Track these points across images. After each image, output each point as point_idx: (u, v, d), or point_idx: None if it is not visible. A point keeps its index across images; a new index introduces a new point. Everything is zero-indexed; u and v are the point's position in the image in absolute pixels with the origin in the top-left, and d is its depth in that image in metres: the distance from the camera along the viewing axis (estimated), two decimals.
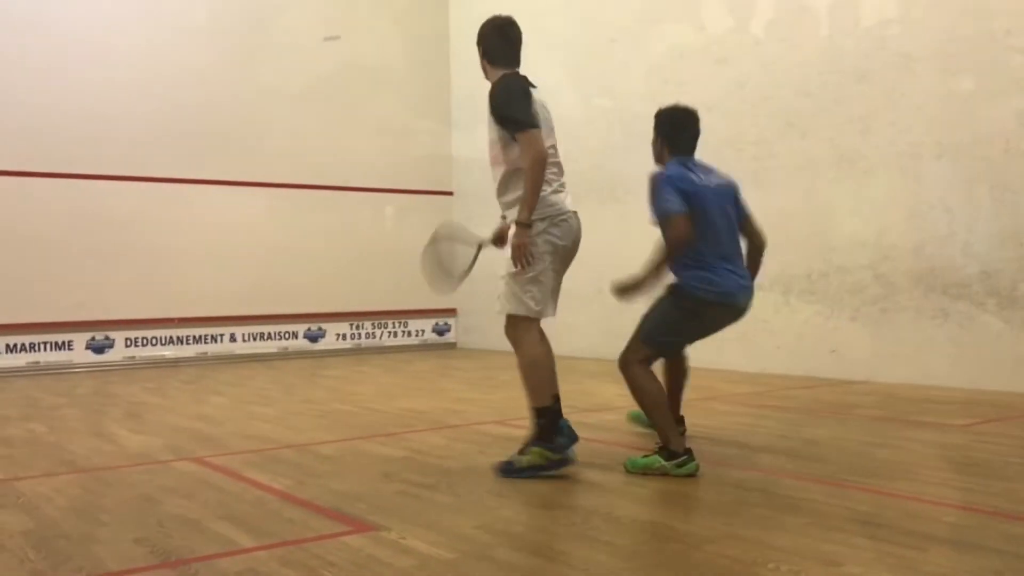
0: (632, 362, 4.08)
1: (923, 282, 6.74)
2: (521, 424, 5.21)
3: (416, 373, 8.44)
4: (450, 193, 11.22)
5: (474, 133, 10.99)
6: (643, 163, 9.29)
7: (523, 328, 4.09)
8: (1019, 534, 2.89)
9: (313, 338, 10.28)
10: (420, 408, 6.01)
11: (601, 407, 5.89)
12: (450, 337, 11.20)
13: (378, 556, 2.78)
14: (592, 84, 9.51)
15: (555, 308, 4.20)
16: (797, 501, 3.35)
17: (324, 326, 10.35)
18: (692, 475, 3.84)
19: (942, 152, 6.62)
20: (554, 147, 4.14)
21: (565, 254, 4.11)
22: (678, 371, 4.62)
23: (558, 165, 4.16)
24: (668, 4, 8.75)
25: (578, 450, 4.02)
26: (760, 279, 8.27)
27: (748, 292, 4.14)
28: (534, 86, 4.18)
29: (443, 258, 4.66)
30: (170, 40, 9.50)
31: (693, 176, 4.13)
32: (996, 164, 6.32)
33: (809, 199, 7.51)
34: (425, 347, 10.96)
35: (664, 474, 3.85)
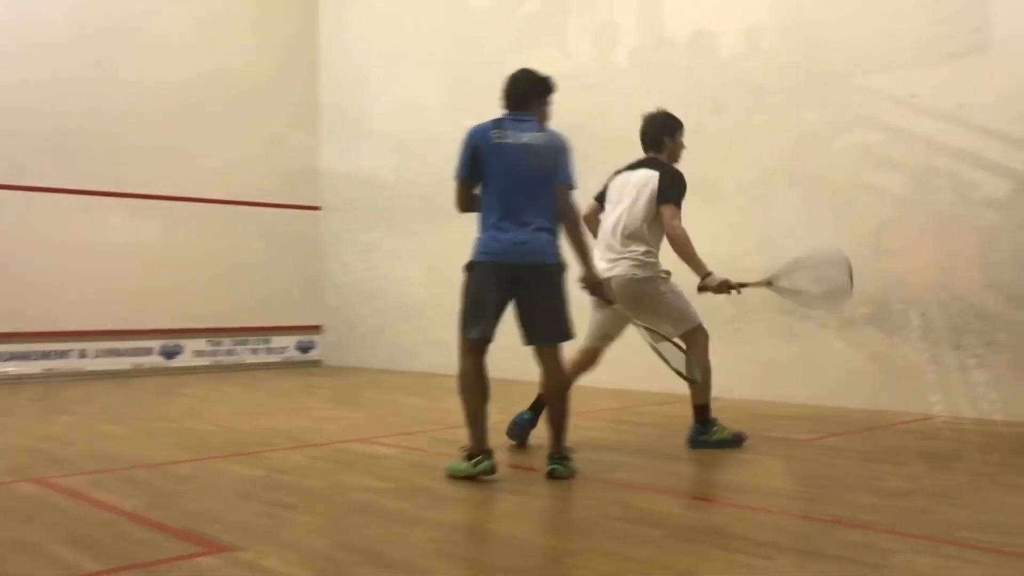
0: (460, 352, 4.19)
1: (772, 304, 7.07)
2: (386, 442, 5.17)
3: (278, 391, 8.24)
4: (318, 208, 11.05)
5: (344, 147, 10.90)
6: None
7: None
8: (857, 541, 3.06)
9: (169, 355, 9.89)
10: (281, 426, 5.87)
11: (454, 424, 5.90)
12: (314, 355, 10.99)
13: None
14: (465, 105, 9.58)
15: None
16: (655, 515, 3.45)
17: (181, 342, 9.97)
18: (487, 473, 3.96)
19: (792, 181, 6.99)
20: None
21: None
22: (545, 386, 4.46)
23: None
24: (537, 30, 8.93)
25: (439, 466, 4.02)
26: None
27: (522, 248, 4.03)
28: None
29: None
30: (29, 45, 9.03)
31: (495, 132, 4.13)
32: (840, 194, 6.71)
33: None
34: (288, 365, 10.71)
35: (468, 477, 3.98)
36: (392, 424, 5.97)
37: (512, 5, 9.25)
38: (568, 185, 4.24)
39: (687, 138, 7.76)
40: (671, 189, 4.98)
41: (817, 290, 4.88)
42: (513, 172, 4.10)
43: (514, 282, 4.09)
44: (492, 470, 4.01)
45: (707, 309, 7.37)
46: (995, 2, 6.09)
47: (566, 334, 4.25)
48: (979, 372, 5.96)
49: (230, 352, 10.31)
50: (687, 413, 6.39)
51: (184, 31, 10.10)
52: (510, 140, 4.13)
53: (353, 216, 10.71)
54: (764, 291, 7.05)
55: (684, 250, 4.93)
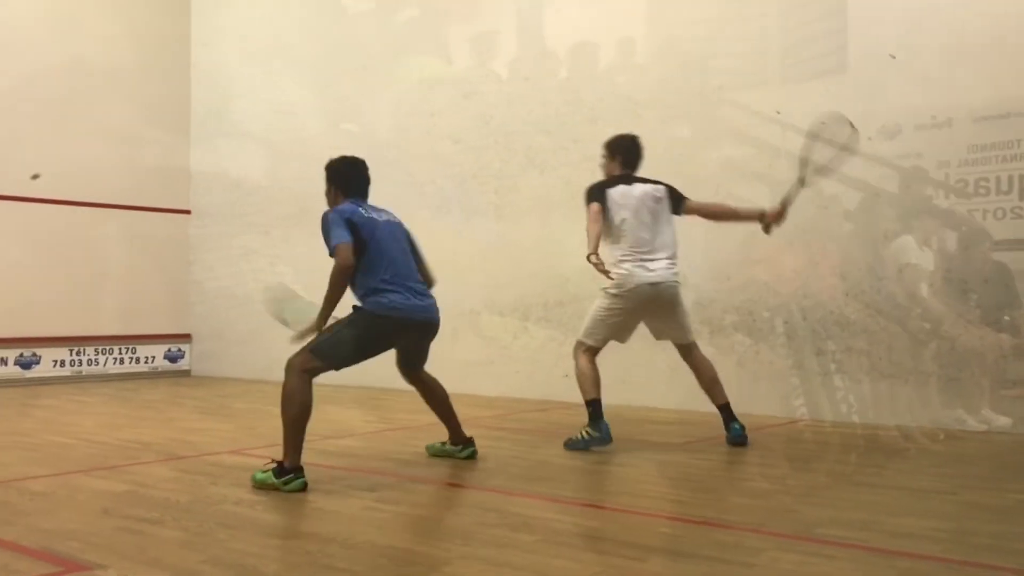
0: (297, 370, 4.22)
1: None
2: (256, 454, 5.03)
3: (144, 402, 7.90)
4: (187, 212, 10.68)
5: (215, 148, 10.57)
6: (390, 192, 9.32)
7: None
8: (726, 541, 3.16)
9: (26, 365, 9.35)
10: (147, 439, 5.63)
11: (342, 433, 5.81)
12: (183, 364, 10.60)
13: None
14: (340, 109, 9.46)
15: None
16: (530, 519, 3.47)
17: (39, 351, 9.45)
18: (301, 491, 3.97)
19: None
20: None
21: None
22: (434, 393, 4.90)
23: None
24: (417, 36, 8.90)
25: (316, 477, 3.93)
26: (501, 306, 8.53)
27: (427, 311, 4.62)
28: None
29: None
30: None
31: (362, 210, 4.51)
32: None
33: (545, 232, 7.87)
34: (156, 375, 10.29)
35: (275, 489, 3.99)
36: (263, 435, 5.80)
37: (390, 10, 9.19)
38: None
39: (566, 147, 7.91)
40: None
41: (836, 147, 5.12)
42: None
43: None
44: (304, 488, 4.03)
45: (583, 316, 7.52)
46: (853, 26, 6.43)
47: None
48: (838, 377, 6.27)
49: (92, 362, 9.84)
50: (563, 420, 6.49)
51: (40, 18, 9.57)
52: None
53: (224, 220, 10.39)
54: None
55: None
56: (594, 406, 5.15)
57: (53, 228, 9.58)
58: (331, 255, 4.31)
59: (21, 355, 9.33)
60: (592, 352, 5.35)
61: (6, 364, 9.21)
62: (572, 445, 5.12)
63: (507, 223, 8.13)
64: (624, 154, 5.62)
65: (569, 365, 7.59)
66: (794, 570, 2.80)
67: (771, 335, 6.62)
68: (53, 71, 9.62)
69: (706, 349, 6.87)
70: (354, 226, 4.36)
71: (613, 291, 5.29)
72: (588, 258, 5.02)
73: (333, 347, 4.30)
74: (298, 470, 4.06)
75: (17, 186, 9.29)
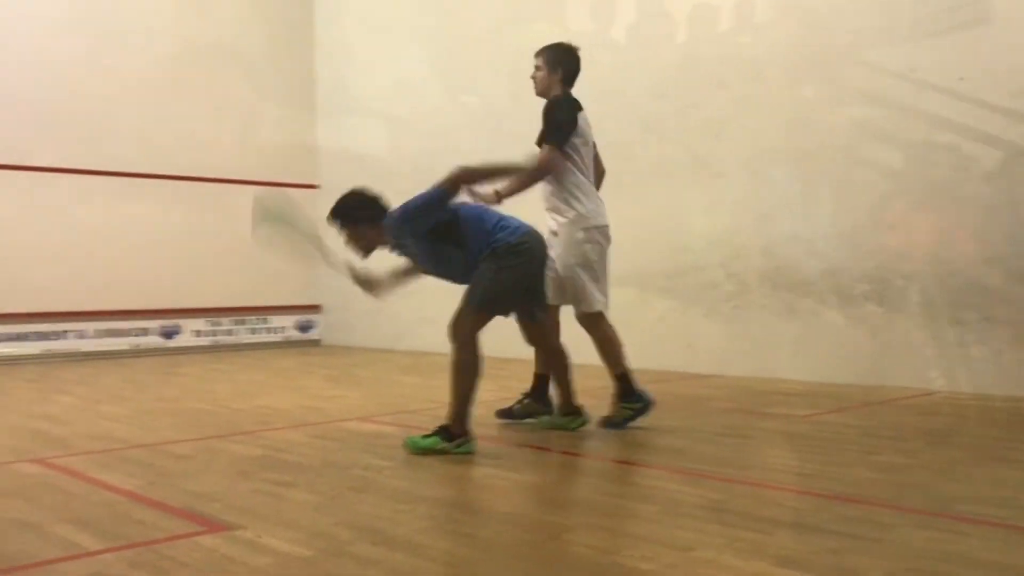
0: (468, 335, 4.23)
1: (771, 280, 7.06)
2: (383, 421, 5.18)
3: (277, 371, 8.24)
4: (316, 187, 11.00)
5: (342, 123, 10.84)
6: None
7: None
8: (854, 515, 3.07)
9: (168, 335, 9.89)
10: (279, 406, 5.88)
11: None
12: (314, 334, 10.99)
13: (232, 556, 2.70)
14: (458, 81, 9.53)
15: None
16: (651, 490, 3.45)
17: (180, 322, 9.97)
18: (470, 454, 4.09)
19: (789, 157, 6.96)
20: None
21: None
22: (559, 361, 4.86)
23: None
24: (534, 5, 8.86)
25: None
26: (618, 276, 8.44)
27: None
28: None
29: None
30: (9, 20, 8.95)
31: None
32: (838, 169, 6.69)
33: (665, 200, 7.75)
34: (288, 344, 10.71)
35: (442, 453, 4.07)
36: (390, 403, 5.98)
37: None
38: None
39: (686, 113, 7.74)
40: None
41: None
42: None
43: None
44: (474, 450, 4.17)
45: (706, 286, 7.41)
46: None
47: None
48: (978, 347, 5.97)
49: (229, 332, 10.32)
50: (684, 391, 6.42)
51: (169, 4, 10.01)
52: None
53: None
54: (763, 269, 7.08)
55: None
56: (628, 378, 4.83)
57: (190, 204, 10.06)
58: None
59: (163, 325, 9.86)
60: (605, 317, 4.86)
61: (150, 334, 9.76)
62: (614, 424, 4.78)
63: (624, 192, 8.02)
64: (567, 67, 4.87)
65: (691, 335, 7.53)
66: (927, 547, 2.70)
67: (904, 304, 6.35)
68: (188, 53, 10.05)
69: (835, 319, 6.69)
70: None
71: (588, 234, 4.76)
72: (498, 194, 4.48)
73: (496, 294, 4.32)
74: (467, 434, 4.15)
75: (158, 164, 9.78)
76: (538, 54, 4.91)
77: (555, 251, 4.67)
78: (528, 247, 4.41)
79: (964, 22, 6.17)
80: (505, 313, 4.52)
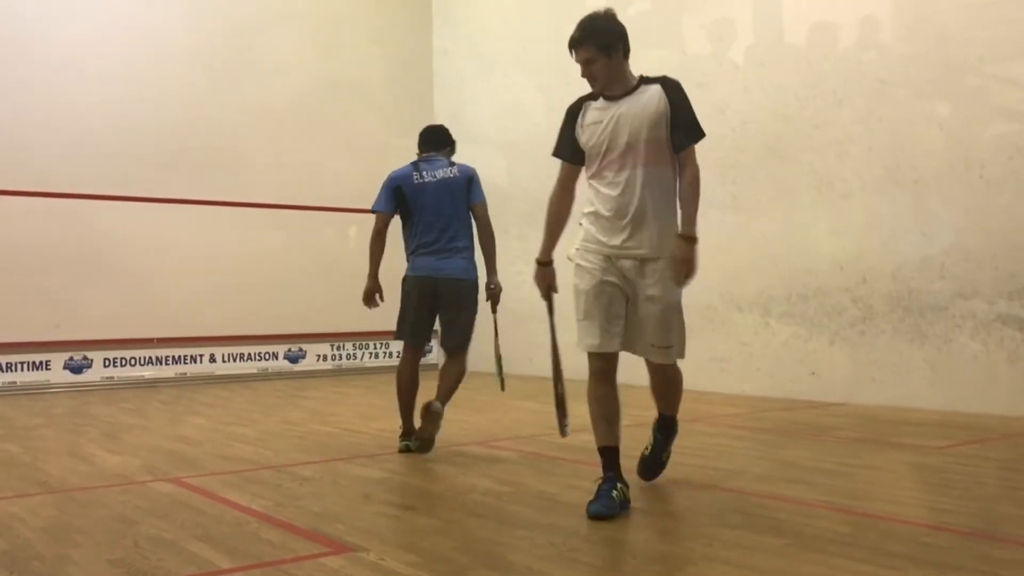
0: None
1: (901, 305, 6.79)
2: (502, 446, 5.21)
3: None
4: None
5: (459, 151, 11.02)
6: None
7: None
8: (999, 556, 2.90)
9: (293, 359, 10.22)
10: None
11: (583, 428, 5.88)
12: (432, 358, 11.15)
13: None
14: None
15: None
16: (777, 522, 3.35)
17: (305, 347, 10.29)
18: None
19: (919, 176, 6.69)
20: None
21: None
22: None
23: None
24: (650, 28, 8.83)
25: (556, 470, 4.00)
26: (740, 301, 8.30)
27: (441, 271, 5.32)
28: None
29: None
30: (149, 58, 9.48)
31: (415, 174, 5.38)
32: (972, 189, 6.39)
33: (788, 222, 7.56)
34: None
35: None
36: (509, 427, 6.01)
37: (621, 5, 9.14)
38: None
39: (808, 133, 7.55)
40: None
41: None
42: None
43: None
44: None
45: (831, 311, 7.18)
46: None
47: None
48: None
49: (351, 356, 10.59)
50: (808, 419, 6.21)
51: (299, 43, 10.43)
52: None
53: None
54: (891, 293, 6.81)
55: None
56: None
57: (315, 234, 10.42)
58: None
59: (289, 350, 10.20)
60: None
61: (277, 358, 10.11)
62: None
63: (745, 214, 7.89)
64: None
65: (815, 361, 7.30)
66: None
67: None
68: (315, 90, 10.46)
69: (970, 344, 6.36)
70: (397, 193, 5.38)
71: None
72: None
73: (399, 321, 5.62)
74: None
75: (285, 195, 10.17)
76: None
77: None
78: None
79: None
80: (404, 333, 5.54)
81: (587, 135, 3.70)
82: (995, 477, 4.18)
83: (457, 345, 5.43)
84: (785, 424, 6.05)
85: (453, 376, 5.31)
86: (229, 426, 6.30)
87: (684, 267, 3.57)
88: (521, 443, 5.29)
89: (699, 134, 3.67)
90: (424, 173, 5.38)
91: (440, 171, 5.38)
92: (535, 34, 9.98)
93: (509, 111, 10.23)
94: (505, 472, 4.39)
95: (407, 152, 11.03)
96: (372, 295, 5.60)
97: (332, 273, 10.36)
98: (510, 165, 10.29)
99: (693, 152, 3.66)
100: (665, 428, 4.11)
